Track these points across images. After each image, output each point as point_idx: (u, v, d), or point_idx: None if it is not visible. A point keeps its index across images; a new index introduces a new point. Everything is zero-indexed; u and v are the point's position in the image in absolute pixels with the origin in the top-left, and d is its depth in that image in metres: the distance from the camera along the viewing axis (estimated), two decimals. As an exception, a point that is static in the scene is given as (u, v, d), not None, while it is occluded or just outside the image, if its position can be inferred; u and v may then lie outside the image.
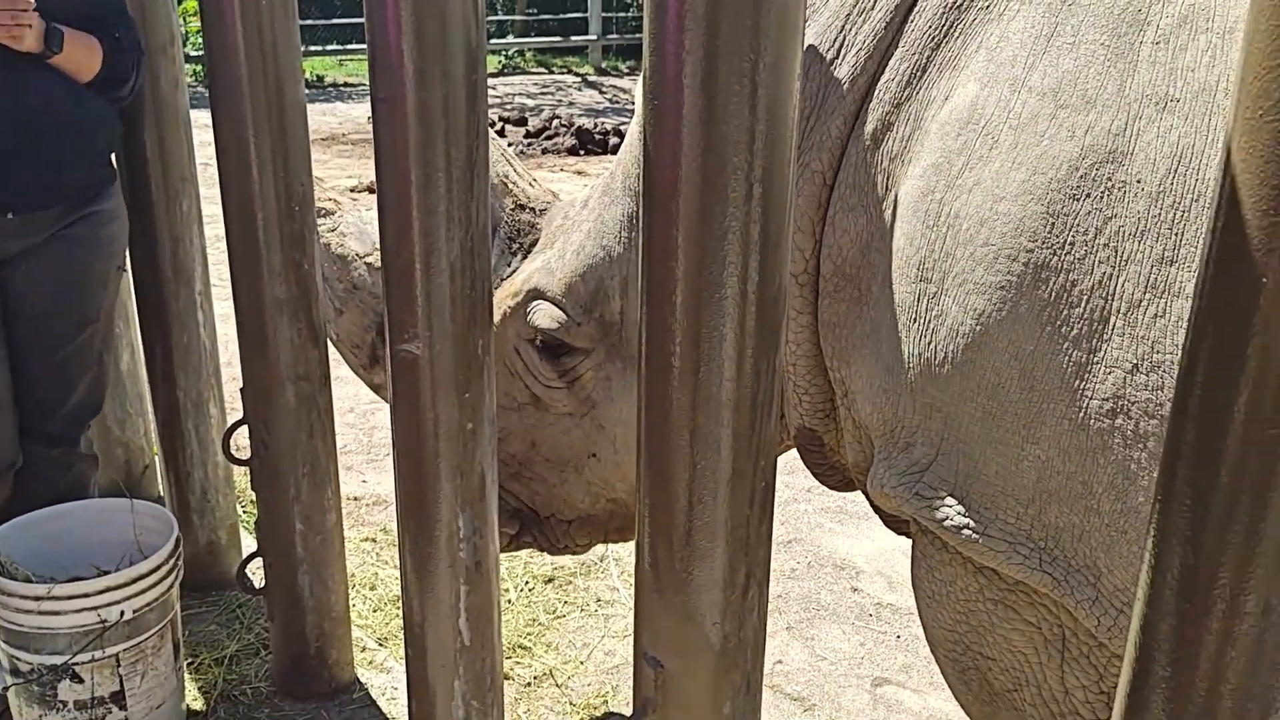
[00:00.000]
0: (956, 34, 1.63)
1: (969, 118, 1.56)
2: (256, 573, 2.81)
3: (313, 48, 16.42)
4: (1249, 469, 0.86)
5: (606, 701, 3.10)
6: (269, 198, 2.37)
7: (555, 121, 11.89)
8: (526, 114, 12.78)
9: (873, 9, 1.72)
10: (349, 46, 16.63)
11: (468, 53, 1.70)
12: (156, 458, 3.52)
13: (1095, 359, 1.43)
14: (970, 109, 1.56)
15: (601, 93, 15.50)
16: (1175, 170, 1.38)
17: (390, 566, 3.67)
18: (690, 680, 1.49)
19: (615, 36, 18.41)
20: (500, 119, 12.25)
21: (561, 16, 19.26)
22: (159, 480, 3.57)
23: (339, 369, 2.83)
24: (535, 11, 19.91)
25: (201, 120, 2.38)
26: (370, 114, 1.76)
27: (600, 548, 3.25)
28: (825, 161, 1.74)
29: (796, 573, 3.82)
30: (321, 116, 12.76)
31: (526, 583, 3.66)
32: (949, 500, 1.58)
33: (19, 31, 2.41)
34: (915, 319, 1.59)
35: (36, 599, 2.34)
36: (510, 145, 11.16)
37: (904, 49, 1.68)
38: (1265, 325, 0.82)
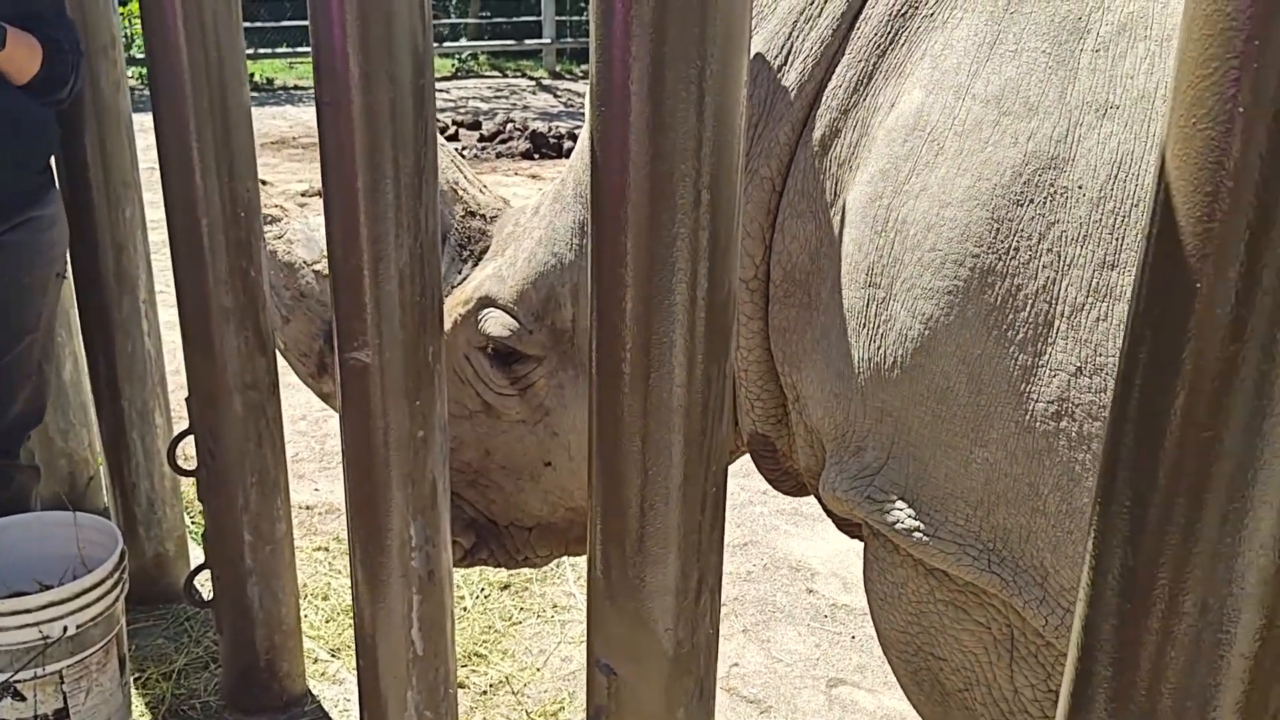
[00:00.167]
0: (902, 41, 1.65)
1: (915, 124, 1.58)
2: (205, 585, 2.76)
3: (262, 50, 16.22)
4: (1185, 471, 0.87)
5: (563, 708, 3.09)
6: (213, 203, 2.33)
7: (509, 125, 11.84)
8: (480, 117, 12.72)
9: (819, 16, 1.73)
10: (299, 49, 16.45)
11: (414, 56, 1.68)
12: (101, 469, 3.45)
13: (1040, 362, 1.45)
14: (916, 115, 1.58)
15: (556, 96, 15.47)
16: (1115, 176, 1.41)
17: (343, 576, 3.63)
18: (643, 686, 1.49)
19: (570, 40, 18.39)
20: (454, 122, 12.18)
21: (515, 20, 19.22)
22: (104, 492, 3.50)
23: (290, 376, 2.79)
24: (489, 15, 19.84)
25: (145, 123, 2.33)
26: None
27: (556, 553, 3.23)
28: (774, 168, 1.75)
29: (753, 575, 3.83)
30: (271, 120, 12.60)
31: (483, 590, 3.64)
32: (900, 503, 1.59)
33: None
34: (864, 324, 1.61)
35: (-25, 616, 2.28)
36: (464, 149, 11.10)
37: (850, 56, 1.69)
38: (1199, 330, 0.83)
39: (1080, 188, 1.42)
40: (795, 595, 3.71)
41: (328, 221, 1.78)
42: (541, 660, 3.30)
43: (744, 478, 3.96)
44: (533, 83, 16.70)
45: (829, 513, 1.96)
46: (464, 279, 2.16)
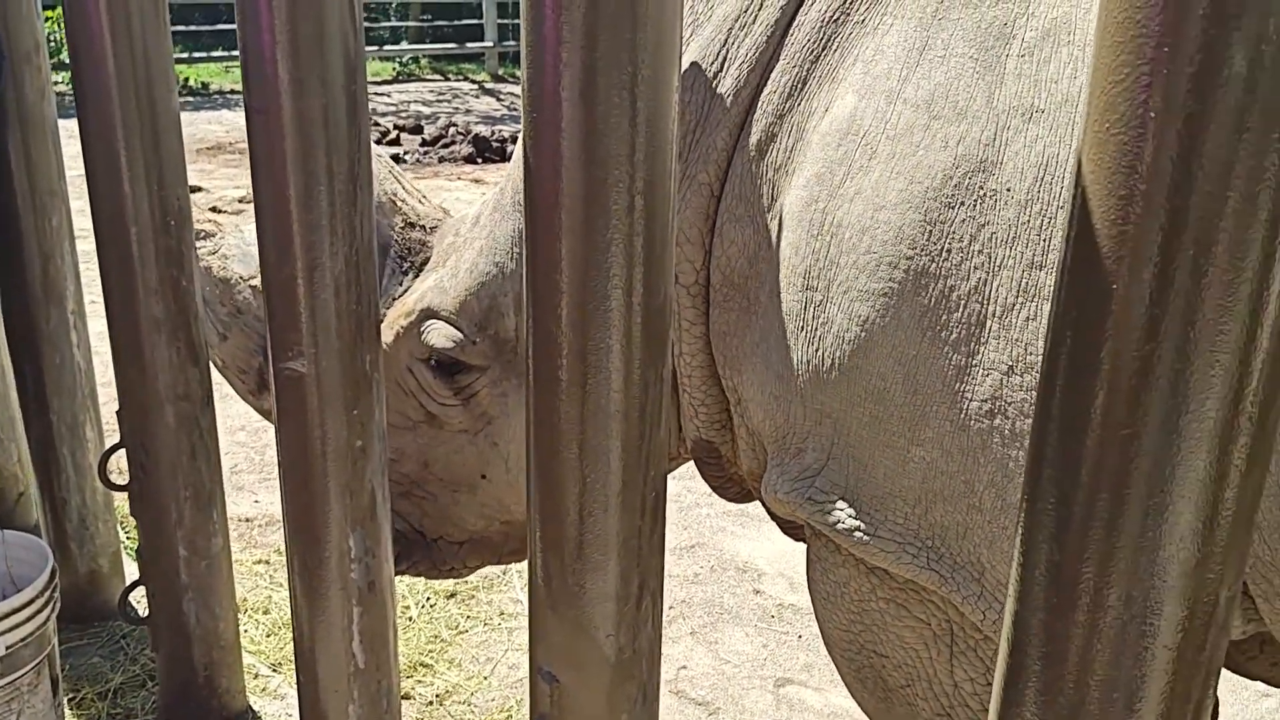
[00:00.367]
0: (834, 47, 1.67)
1: (848, 129, 1.59)
2: (140, 601, 2.70)
3: (197, 55, 15.92)
4: (1107, 469, 0.89)
5: (511, 716, 3.07)
6: (142, 211, 2.28)
7: (452, 129, 11.76)
8: (422, 121, 12.62)
9: (754, 23, 1.74)
10: (235, 53, 16.15)
11: (346, 61, 1.66)
12: (31, 485, 3.35)
13: (974, 362, 1.47)
14: (849, 120, 1.60)
15: (499, 100, 15.40)
16: (1041, 179, 1.43)
17: (285, 590, 3.57)
18: (586, 693, 1.48)
19: (512, 43, 18.30)
20: (395, 127, 12.07)
21: (456, 23, 19.08)
22: (34, 508, 3.40)
23: (227, 387, 2.74)
24: (430, 18, 19.68)
25: (72, 129, 2.27)
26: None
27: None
28: (711, 173, 1.76)
29: (700, 577, 3.84)
30: (207, 125, 12.38)
31: (428, 599, 3.60)
32: (840, 504, 1.61)
33: None
34: (803, 327, 1.62)
35: (-104, 640, 2.20)
36: (406, 153, 10.99)
37: (785, 62, 1.71)
38: (1116, 331, 0.85)
39: (1008, 190, 1.45)
40: (742, 596, 3.73)
41: (260, 230, 1.75)
42: (489, 669, 3.28)
43: (690, 479, 3.97)
44: (475, 86, 16.61)
45: (772, 515, 1.98)
46: (405, 291, 2.14)
